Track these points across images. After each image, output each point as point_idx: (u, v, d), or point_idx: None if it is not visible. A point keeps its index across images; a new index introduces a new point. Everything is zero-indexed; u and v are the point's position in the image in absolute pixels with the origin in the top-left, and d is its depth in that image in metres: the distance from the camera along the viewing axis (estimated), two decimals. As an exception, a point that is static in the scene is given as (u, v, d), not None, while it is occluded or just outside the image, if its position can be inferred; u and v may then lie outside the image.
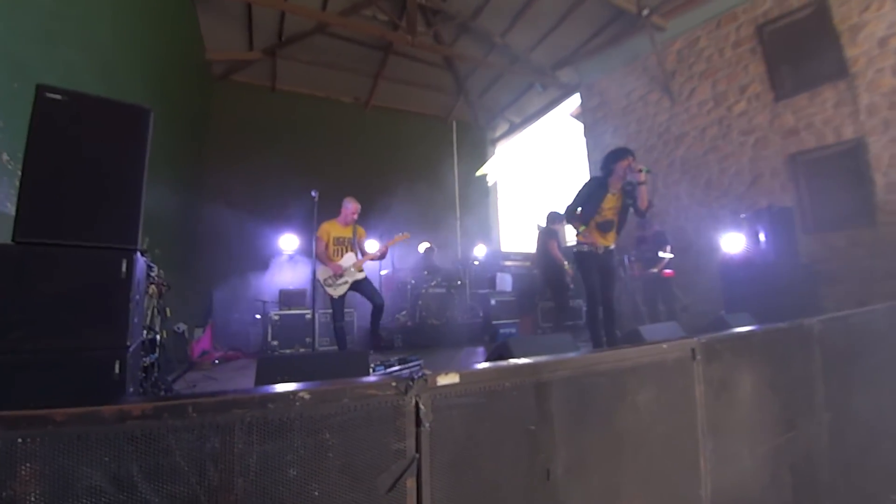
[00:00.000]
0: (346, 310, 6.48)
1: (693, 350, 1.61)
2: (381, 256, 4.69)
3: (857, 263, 5.42)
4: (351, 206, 4.49)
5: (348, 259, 4.40)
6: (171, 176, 5.10)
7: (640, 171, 3.56)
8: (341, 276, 4.32)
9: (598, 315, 3.74)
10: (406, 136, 10.18)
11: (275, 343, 5.76)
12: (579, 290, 5.41)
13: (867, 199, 5.38)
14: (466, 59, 8.54)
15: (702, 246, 6.74)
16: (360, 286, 4.43)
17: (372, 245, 7.01)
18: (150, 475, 0.80)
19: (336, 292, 4.33)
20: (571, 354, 1.42)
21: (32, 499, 0.74)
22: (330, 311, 4.52)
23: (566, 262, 5.26)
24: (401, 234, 4.66)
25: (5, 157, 2.49)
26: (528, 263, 8.49)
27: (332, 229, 4.43)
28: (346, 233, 4.47)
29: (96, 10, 3.61)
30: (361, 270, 4.47)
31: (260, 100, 8.81)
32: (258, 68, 8.57)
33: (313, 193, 4.27)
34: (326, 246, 4.37)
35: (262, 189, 7.59)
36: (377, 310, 4.46)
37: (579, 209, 3.81)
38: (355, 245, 4.51)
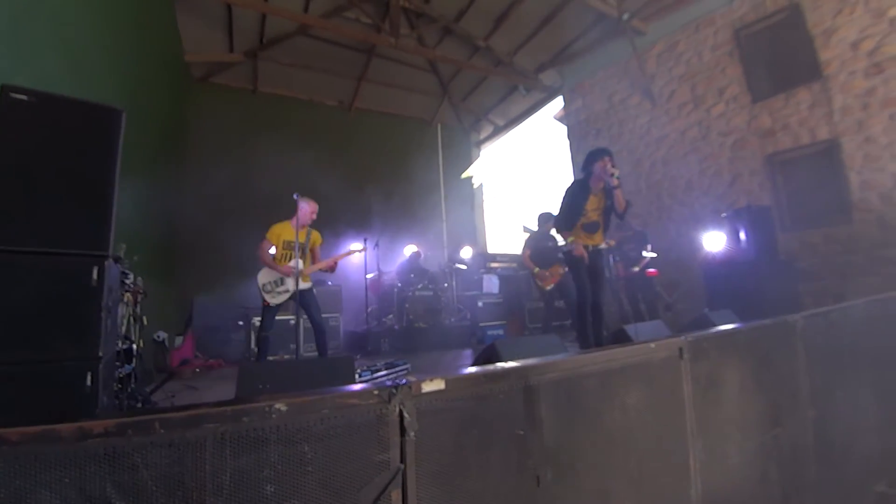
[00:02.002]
0: (332, 314, 6.44)
1: (680, 349, 1.60)
2: (331, 269, 4.31)
3: (834, 260, 5.56)
4: (308, 207, 4.14)
5: (295, 265, 4.05)
6: (149, 181, 4.96)
7: (613, 174, 3.55)
8: (282, 282, 4.00)
9: (587, 315, 3.74)
10: (390, 139, 10.12)
11: (257, 350, 5.64)
12: (560, 292, 5.47)
13: (842, 197, 5.52)
14: (450, 61, 8.54)
15: (684, 245, 6.83)
16: (305, 298, 4.06)
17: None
18: (115, 496, 0.75)
19: (274, 300, 4.02)
20: (559, 356, 1.40)
21: (-17, 526, 0.69)
22: (304, 317, 4.23)
23: (536, 268, 5.32)
24: (354, 246, 4.49)
25: (-32, 161, 2.38)
26: (514, 265, 8.51)
27: (283, 232, 4.08)
28: (299, 237, 4.10)
29: (70, 9, 3.48)
30: (308, 279, 4.16)
31: (241, 102, 8.67)
32: (239, 70, 8.43)
33: (296, 197, 4.16)
34: (274, 249, 4.07)
35: (243, 193, 7.45)
36: (320, 333, 4.08)
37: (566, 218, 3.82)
38: (306, 251, 4.17)
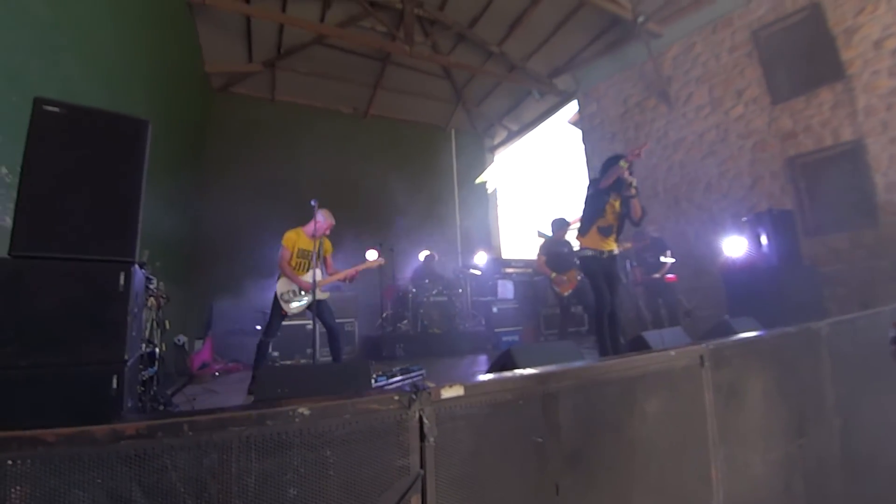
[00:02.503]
0: (347, 319, 6.49)
1: (701, 357, 1.58)
2: (350, 279, 4.22)
3: (859, 265, 5.39)
4: (325, 222, 4.12)
5: (314, 276, 4.01)
6: (170, 188, 5.09)
7: (631, 184, 3.57)
8: (301, 291, 3.98)
9: (605, 321, 3.73)
10: (405, 145, 10.20)
11: (275, 354, 5.71)
12: (577, 297, 5.44)
13: (867, 200, 5.37)
14: (464, 67, 8.58)
15: (703, 250, 6.71)
16: (320, 307, 4.00)
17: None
18: (145, 496, 0.77)
19: (292, 309, 4.00)
20: (578, 363, 1.39)
21: (22, 524, 0.71)
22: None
23: (553, 273, 5.30)
24: (375, 259, 4.44)
25: (4, 170, 2.48)
26: (529, 271, 8.47)
27: (298, 240, 4.05)
28: (312, 246, 4.07)
29: (95, 23, 3.62)
30: (324, 290, 4.13)
31: (259, 111, 8.84)
32: (257, 80, 8.61)
33: (313, 203, 4.19)
34: (291, 257, 4.04)
35: (261, 199, 7.57)
36: (335, 336, 4.02)
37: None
38: (318, 260, 4.12)
